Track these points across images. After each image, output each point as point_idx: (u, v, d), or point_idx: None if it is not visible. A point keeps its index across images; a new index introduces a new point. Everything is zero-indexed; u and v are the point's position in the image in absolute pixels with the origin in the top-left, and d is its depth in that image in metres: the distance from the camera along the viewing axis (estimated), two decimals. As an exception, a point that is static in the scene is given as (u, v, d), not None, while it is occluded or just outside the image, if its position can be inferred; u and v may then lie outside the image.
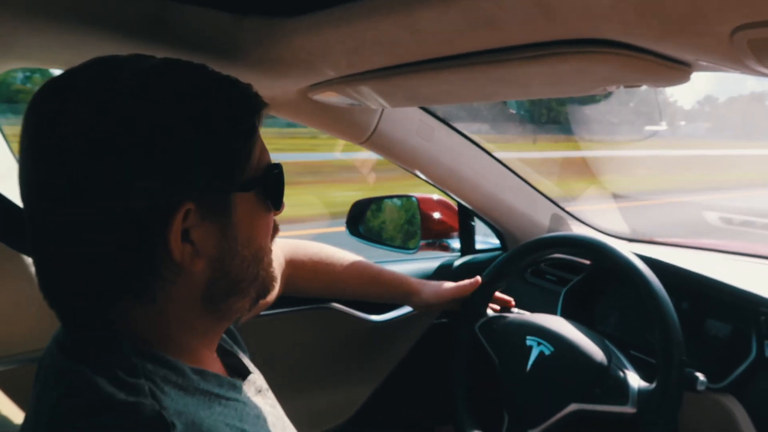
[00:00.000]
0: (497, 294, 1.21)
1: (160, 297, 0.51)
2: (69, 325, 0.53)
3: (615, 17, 0.47)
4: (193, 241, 0.50)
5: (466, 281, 1.19)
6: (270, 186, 0.57)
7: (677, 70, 0.56)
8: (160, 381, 0.49)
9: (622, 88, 0.67)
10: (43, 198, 0.48)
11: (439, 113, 1.29)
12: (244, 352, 0.72)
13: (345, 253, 1.18)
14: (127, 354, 0.49)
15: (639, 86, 0.64)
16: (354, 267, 1.16)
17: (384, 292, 1.19)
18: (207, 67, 0.54)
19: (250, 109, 0.54)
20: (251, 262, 0.56)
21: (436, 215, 1.61)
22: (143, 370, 0.48)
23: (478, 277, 1.19)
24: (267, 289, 0.60)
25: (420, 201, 1.59)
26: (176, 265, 0.50)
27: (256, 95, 0.56)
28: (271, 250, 0.60)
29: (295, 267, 1.10)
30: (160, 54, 0.77)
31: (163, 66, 0.51)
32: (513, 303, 1.23)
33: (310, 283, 1.13)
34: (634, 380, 0.96)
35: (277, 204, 0.59)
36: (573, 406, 0.97)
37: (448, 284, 1.20)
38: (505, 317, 1.16)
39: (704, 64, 0.54)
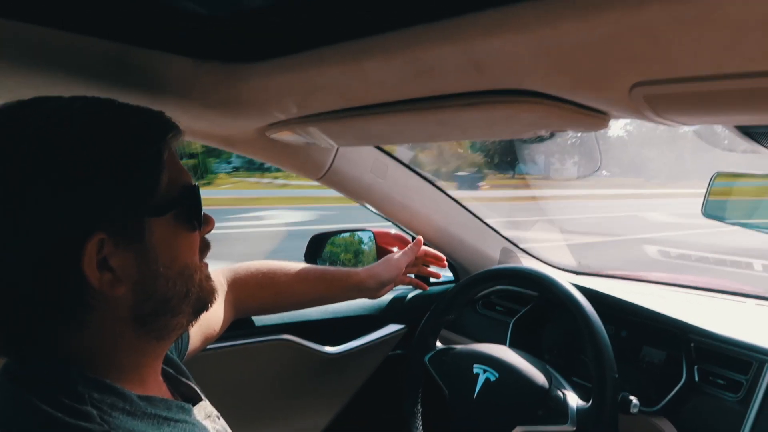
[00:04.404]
0: (428, 250, 1.26)
1: (90, 322, 0.52)
2: (12, 354, 0.54)
3: (534, 72, 0.53)
4: (113, 268, 0.52)
5: (411, 244, 1.22)
6: (187, 207, 0.58)
7: (595, 117, 0.63)
8: (108, 408, 0.50)
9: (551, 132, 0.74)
10: None
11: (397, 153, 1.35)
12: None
13: (287, 263, 1.15)
14: (73, 381, 0.50)
15: (564, 131, 0.70)
16: (298, 272, 1.13)
17: (335, 288, 1.16)
18: (114, 100, 0.55)
19: (154, 136, 0.55)
20: (178, 280, 0.57)
21: (393, 249, 1.65)
22: (89, 398, 0.50)
23: (420, 237, 1.24)
24: (205, 303, 0.62)
25: (377, 235, 1.63)
26: (97, 292, 0.51)
27: (166, 121, 0.57)
28: (201, 267, 0.61)
29: (238, 287, 1.07)
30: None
31: (67, 103, 0.53)
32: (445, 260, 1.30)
33: (258, 299, 1.09)
34: (573, 400, 1.02)
35: (199, 224, 0.60)
36: (519, 429, 1.02)
37: (397, 255, 1.20)
38: (454, 348, 1.20)
39: (616, 113, 0.61)
